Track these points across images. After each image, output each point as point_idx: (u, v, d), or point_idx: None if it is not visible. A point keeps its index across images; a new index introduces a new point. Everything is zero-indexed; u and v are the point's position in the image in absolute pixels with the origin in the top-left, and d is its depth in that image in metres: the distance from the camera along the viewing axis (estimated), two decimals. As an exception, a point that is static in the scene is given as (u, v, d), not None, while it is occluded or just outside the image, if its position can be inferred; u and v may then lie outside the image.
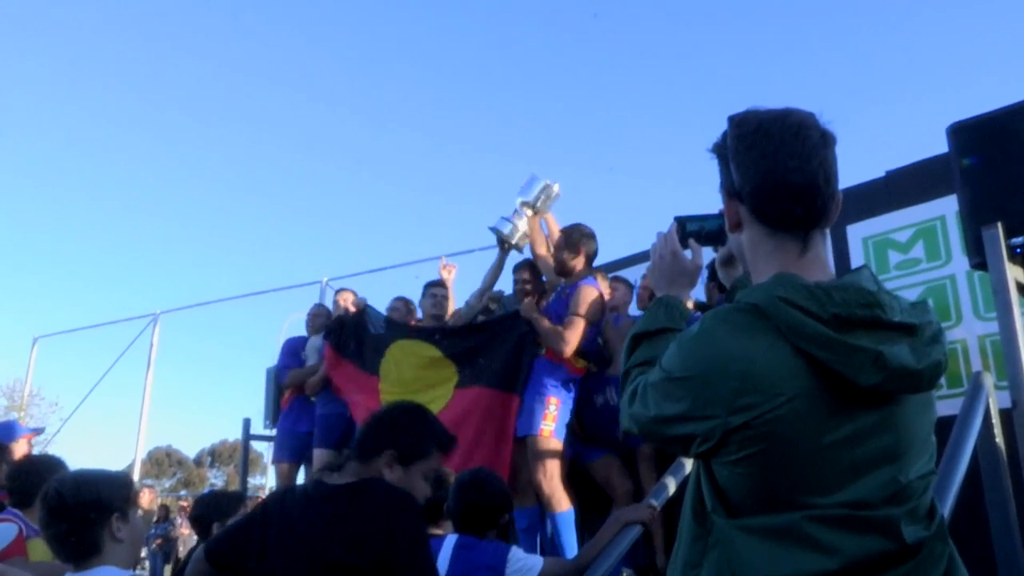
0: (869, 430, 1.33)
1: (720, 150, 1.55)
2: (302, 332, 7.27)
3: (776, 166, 1.44)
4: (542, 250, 5.41)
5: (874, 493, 1.31)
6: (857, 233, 5.23)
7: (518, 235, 5.48)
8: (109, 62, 53.06)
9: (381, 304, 6.38)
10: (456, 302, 6.25)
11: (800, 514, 1.31)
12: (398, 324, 6.07)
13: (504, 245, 5.66)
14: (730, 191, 1.53)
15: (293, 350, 7.05)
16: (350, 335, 6.12)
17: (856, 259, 5.12)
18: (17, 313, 56.00)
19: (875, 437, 1.33)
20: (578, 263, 5.00)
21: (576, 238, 5.01)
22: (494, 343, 5.26)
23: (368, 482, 2.45)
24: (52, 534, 2.32)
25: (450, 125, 64.43)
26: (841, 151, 1.52)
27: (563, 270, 5.04)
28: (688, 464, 3.50)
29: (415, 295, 6.34)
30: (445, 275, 6.30)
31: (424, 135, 64.47)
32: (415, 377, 5.56)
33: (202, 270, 63.85)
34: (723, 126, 1.53)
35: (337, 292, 6.82)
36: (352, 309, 6.23)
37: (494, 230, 5.56)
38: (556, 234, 5.27)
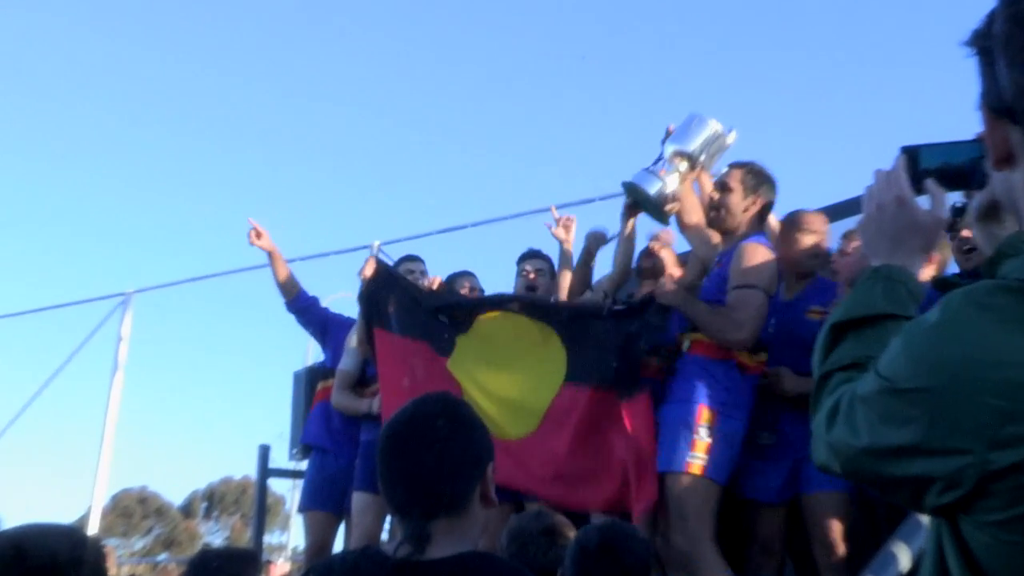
0: None
1: (982, 42, 1.05)
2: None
3: None
4: (694, 218, 3.79)
5: None
6: None
7: (664, 193, 3.80)
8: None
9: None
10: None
11: None
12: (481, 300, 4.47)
13: (635, 209, 4.02)
14: (996, 105, 1.04)
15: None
16: (395, 304, 4.46)
17: None
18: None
19: None
20: (747, 215, 3.62)
21: (749, 179, 3.64)
22: (612, 335, 3.83)
23: (476, 559, 1.71)
24: None
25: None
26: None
27: (729, 220, 3.63)
28: (925, 523, 2.74)
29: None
30: (562, 235, 4.40)
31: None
32: (511, 355, 4.08)
33: (194, 235, 52.77)
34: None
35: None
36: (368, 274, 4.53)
37: (631, 187, 3.87)
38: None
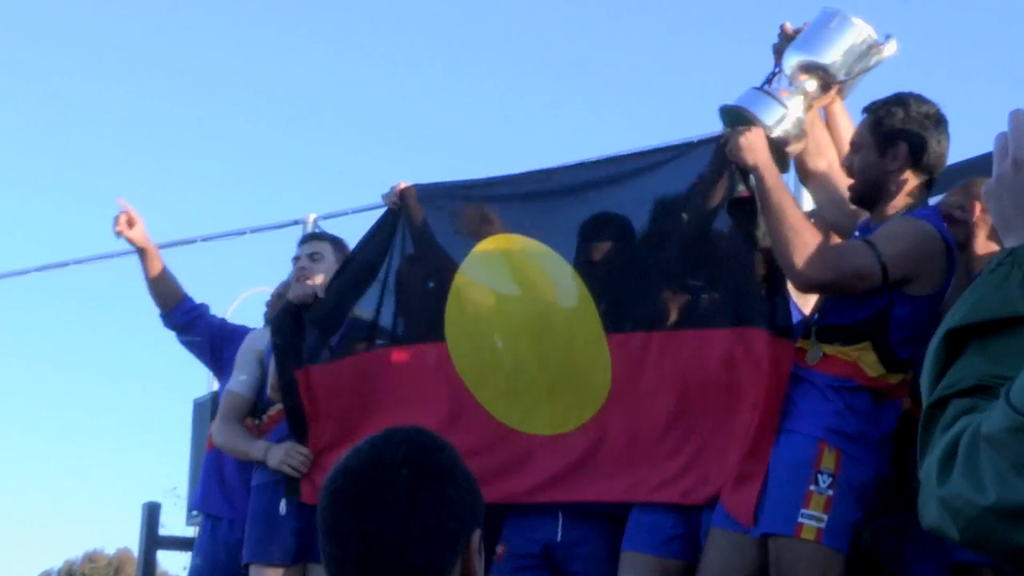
0: None
1: None
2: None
3: None
4: (821, 163, 2.86)
5: None
6: None
7: (787, 126, 2.72)
8: None
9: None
10: None
11: None
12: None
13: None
14: None
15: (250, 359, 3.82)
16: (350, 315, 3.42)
17: None
18: None
19: None
20: (904, 177, 2.64)
21: (899, 124, 2.63)
22: (676, 220, 2.87)
23: None
24: None
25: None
26: None
27: (871, 190, 2.67)
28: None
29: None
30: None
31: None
32: (535, 308, 3.05)
33: (45, 209, 37.76)
34: None
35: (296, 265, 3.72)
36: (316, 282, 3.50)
37: (735, 111, 2.80)
38: (845, 136, 2.86)
